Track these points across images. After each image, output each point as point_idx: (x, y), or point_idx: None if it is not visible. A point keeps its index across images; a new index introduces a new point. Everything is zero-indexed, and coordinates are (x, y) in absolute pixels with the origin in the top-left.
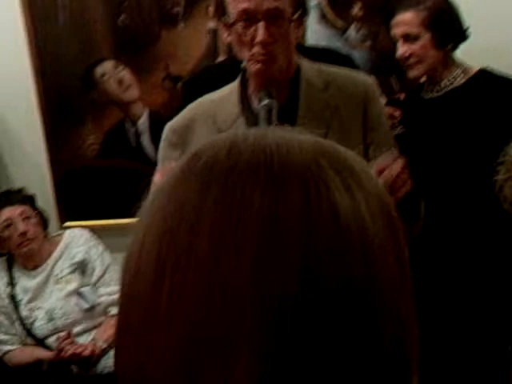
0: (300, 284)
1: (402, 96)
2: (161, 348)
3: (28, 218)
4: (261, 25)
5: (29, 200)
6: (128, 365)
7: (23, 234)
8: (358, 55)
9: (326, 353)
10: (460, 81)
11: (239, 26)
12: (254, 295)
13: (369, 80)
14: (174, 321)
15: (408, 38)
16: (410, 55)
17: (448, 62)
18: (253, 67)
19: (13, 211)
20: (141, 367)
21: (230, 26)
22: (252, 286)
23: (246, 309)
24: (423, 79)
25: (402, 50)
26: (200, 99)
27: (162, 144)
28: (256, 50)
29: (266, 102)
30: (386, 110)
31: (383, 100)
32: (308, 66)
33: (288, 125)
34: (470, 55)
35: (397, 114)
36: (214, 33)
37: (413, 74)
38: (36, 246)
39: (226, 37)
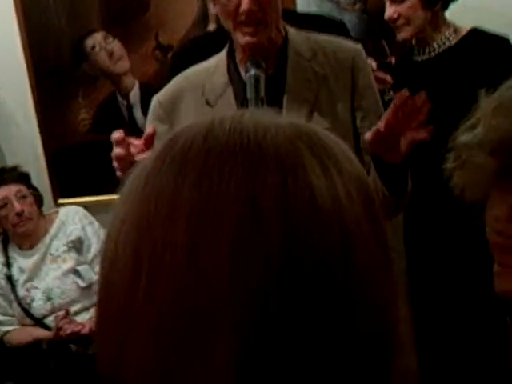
0: (279, 266)
1: (393, 60)
2: (138, 334)
3: (24, 197)
4: None
5: (24, 178)
6: (107, 348)
7: (19, 213)
8: (348, 18)
9: (304, 333)
10: (452, 41)
11: None
12: (231, 279)
13: (357, 47)
14: (152, 307)
15: None
16: (398, 17)
17: (438, 23)
18: (241, 39)
19: (8, 190)
20: (119, 352)
21: None
22: (230, 269)
23: (223, 293)
24: (414, 41)
25: (389, 11)
26: (187, 70)
27: (149, 116)
28: (242, 19)
29: (253, 72)
30: (378, 74)
31: (374, 64)
32: (295, 35)
33: (277, 94)
34: (461, 15)
35: (388, 78)
36: (204, 0)
37: (401, 36)
38: (32, 225)
39: (213, 8)
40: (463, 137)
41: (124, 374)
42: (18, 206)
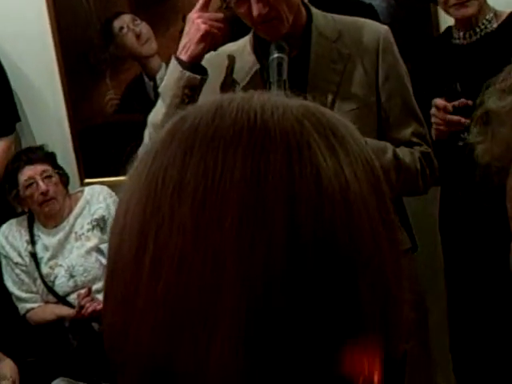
0: (284, 246)
1: (470, 102)
2: (143, 311)
3: (49, 176)
4: (253, 1)
5: (49, 158)
6: (112, 327)
7: (44, 193)
8: (376, 3)
9: (306, 311)
10: (493, 25)
11: (233, 2)
12: (236, 258)
13: (384, 28)
14: (157, 284)
15: None
16: None
17: (482, 4)
18: (261, 34)
19: (34, 170)
20: (124, 330)
21: (227, 4)
22: (234, 248)
23: (228, 273)
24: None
25: None
26: (214, 52)
27: None
28: (256, 21)
29: (275, 55)
30: (453, 118)
31: (450, 106)
32: (320, 16)
33: (301, 76)
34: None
35: (463, 121)
36: None
37: (467, 12)
38: (58, 205)
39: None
40: (493, 102)
41: (129, 350)
42: (43, 186)
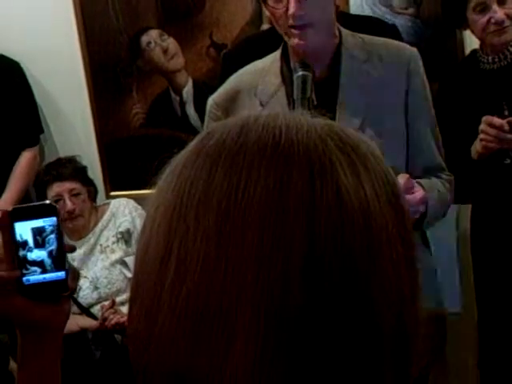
0: (302, 260)
1: None
2: (165, 318)
3: (77, 194)
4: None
5: (80, 173)
6: (137, 334)
7: (70, 211)
8: (401, 22)
9: (321, 324)
10: None
11: (271, 1)
12: (256, 270)
13: (413, 51)
14: (179, 292)
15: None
16: (507, 18)
17: None
18: (291, 42)
19: (62, 187)
20: (147, 336)
21: (264, 2)
22: (255, 261)
23: (248, 283)
24: (477, 47)
25: (500, 13)
26: (242, 70)
27: (206, 119)
28: (290, 22)
29: (300, 72)
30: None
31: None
32: (350, 37)
33: (330, 98)
34: None
35: None
36: (258, 1)
37: (507, 38)
38: (82, 221)
39: (266, 11)
40: None
41: (151, 356)
42: (69, 205)
